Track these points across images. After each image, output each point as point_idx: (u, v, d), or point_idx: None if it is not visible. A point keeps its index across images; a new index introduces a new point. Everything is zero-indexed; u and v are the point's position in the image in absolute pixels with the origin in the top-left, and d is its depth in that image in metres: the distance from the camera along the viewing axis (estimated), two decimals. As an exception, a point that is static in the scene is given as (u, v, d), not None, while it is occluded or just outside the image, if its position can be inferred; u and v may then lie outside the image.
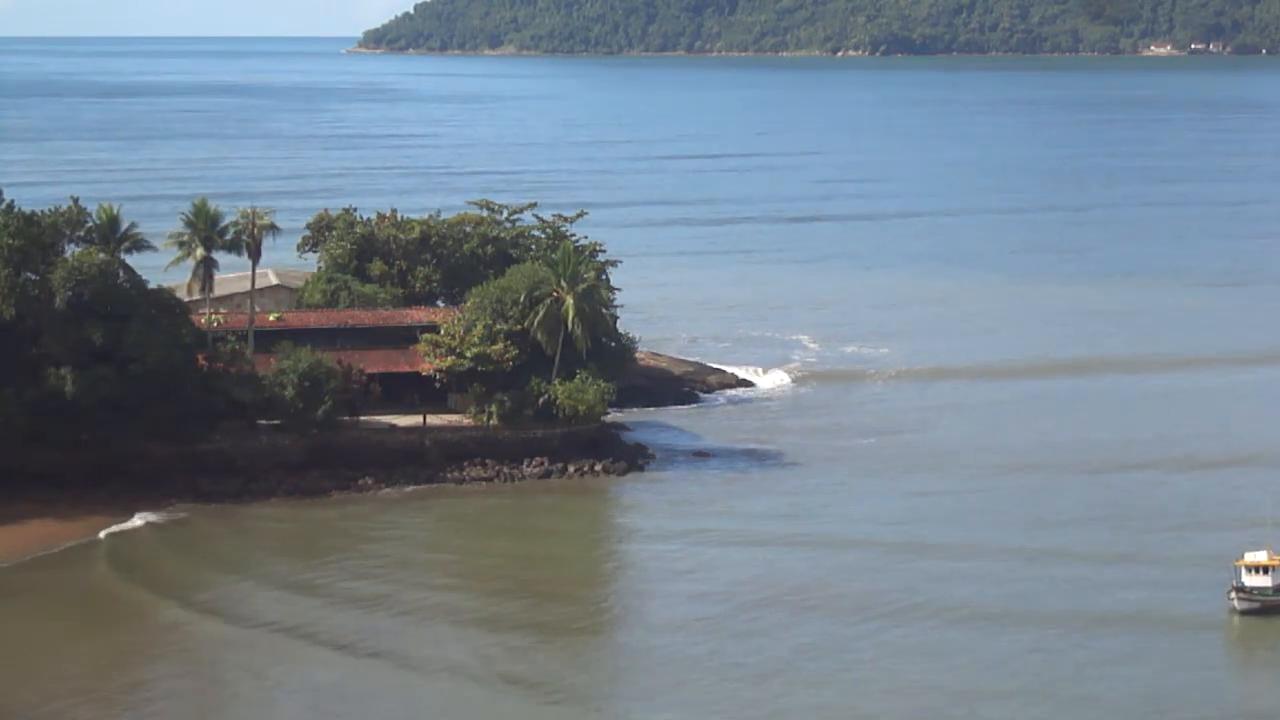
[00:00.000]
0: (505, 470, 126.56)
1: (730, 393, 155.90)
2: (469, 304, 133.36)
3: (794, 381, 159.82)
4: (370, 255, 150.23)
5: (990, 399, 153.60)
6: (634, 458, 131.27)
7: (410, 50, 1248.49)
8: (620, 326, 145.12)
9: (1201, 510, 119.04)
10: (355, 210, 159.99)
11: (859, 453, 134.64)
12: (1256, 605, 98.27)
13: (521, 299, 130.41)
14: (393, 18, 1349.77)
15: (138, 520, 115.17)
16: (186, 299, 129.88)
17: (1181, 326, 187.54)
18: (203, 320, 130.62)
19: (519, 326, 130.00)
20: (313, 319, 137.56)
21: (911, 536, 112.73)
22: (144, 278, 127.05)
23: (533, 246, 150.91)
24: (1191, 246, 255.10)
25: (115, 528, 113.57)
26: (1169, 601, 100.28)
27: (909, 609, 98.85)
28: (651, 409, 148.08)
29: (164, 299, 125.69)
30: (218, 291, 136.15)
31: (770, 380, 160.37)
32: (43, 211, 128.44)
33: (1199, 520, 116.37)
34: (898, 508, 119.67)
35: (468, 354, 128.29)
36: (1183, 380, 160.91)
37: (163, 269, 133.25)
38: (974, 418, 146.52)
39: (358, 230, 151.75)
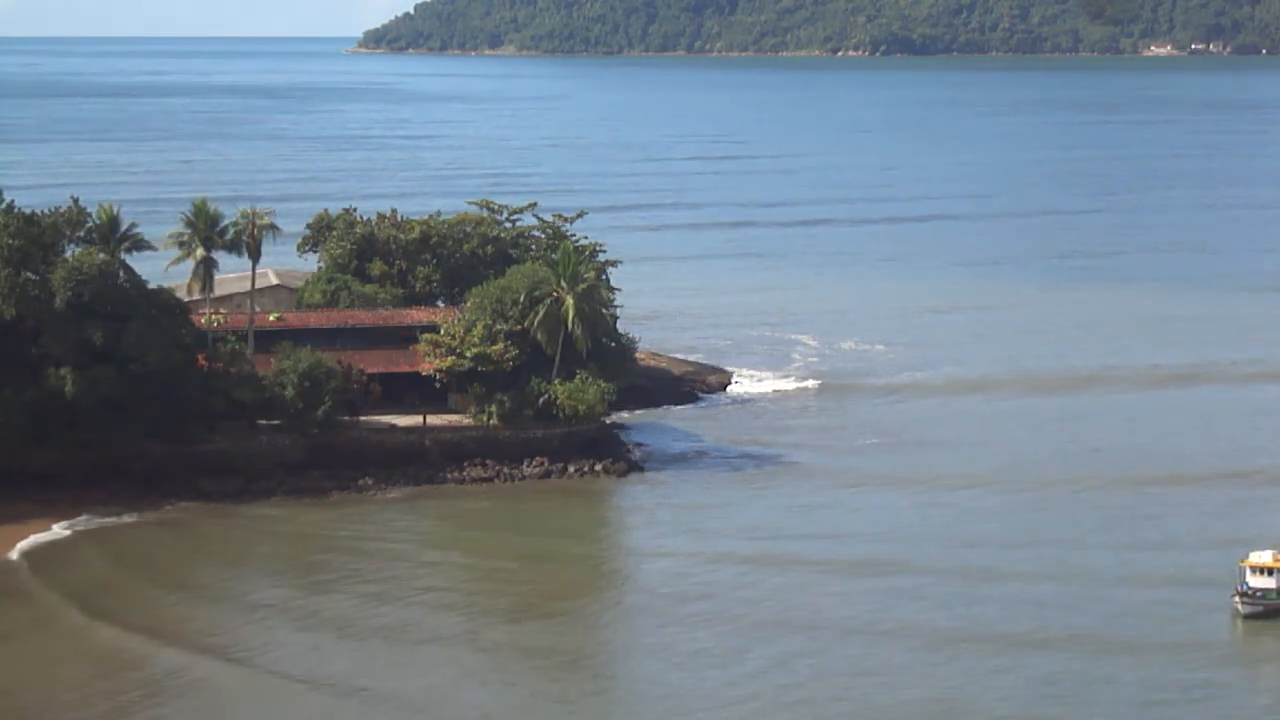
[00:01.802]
0: (505, 470, 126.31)
1: (731, 393, 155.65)
2: (469, 304, 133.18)
3: (795, 382, 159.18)
4: (370, 255, 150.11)
5: (995, 407, 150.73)
6: (634, 458, 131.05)
7: (410, 50, 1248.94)
8: (620, 326, 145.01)
9: (1211, 529, 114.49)
10: (355, 210, 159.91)
11: (858, 458, 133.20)
12: (1260, 609, 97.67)
13: (521, 299, 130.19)
14: (393, 18, 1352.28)
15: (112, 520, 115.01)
16: (186, 299, 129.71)
17: (1201, 336, 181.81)
18: (203, 320, 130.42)
19: (519, 326, 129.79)
20: (313, 319, 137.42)
21: (905, 555, 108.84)
22: (144, 278, 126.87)
23: (533, 246, 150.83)
24: (1209, 251, 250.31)
25: (35, 538, 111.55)
26: (1170, 626, 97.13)
27: (905, 631, 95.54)
28: (651, 409, 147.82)
29: (164, 299, 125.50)
30: (218, 291, 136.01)
31: (771, 381, 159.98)
32: (43, 211, 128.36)
33: (1208, 539, 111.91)
34: (892, 522, 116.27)
35: (468, 354, 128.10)
36: (1201, 394, 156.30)
37: (163, 269, 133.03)
38: (977, 427, 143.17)
39: (358, 230, 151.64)
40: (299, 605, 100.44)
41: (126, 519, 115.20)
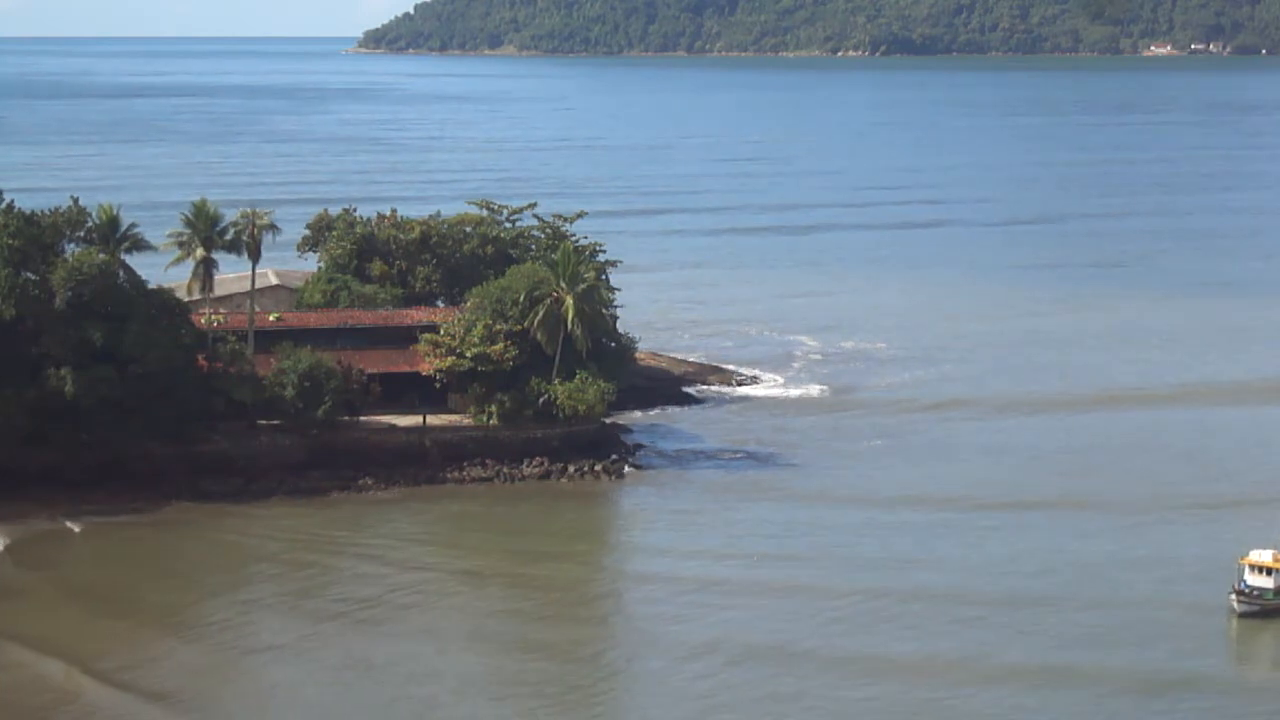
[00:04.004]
0: (505, 471, 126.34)
1: (731, 393, 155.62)
2: (469, 304, 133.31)
3: (796, 385, 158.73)
4: (370, 255, 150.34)
5: (998, 420, 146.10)
6: (633, 459, 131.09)
7: (410, 50, 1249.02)
8: (620, 326, 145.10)
9: (1210, 553, 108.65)
10: (355, 210, 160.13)
11: (858, 465, 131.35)
12: (1256, 608, 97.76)
13: (521, 299, 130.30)
14: (393, 18, 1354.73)
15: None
16: (186, 299, 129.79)
17: (1223, 350, 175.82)
18: (203, 320, 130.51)
19: (519, 326, 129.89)
20: (313, 319, 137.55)
21: (903, 577, 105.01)
22: (144, 278, 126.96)
23: (532, 246, 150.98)
24: (1234, 257, 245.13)
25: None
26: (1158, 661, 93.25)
27: (902, 659, 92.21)
28: (651, 409, 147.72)
29: (164, 299, 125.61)
30: (218, 291, 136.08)
31: (772, 382, 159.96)
32: (43, 211, 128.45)
33: (1206, 563, 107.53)
34: (890, 540, 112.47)
35: (468, 354, 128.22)
36: (1218, 413, 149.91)
37: (163, 269, 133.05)
38: (980, 440, 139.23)
39: (358, 230, 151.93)
40: (266, 625, 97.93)
41: (69, 524, 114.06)
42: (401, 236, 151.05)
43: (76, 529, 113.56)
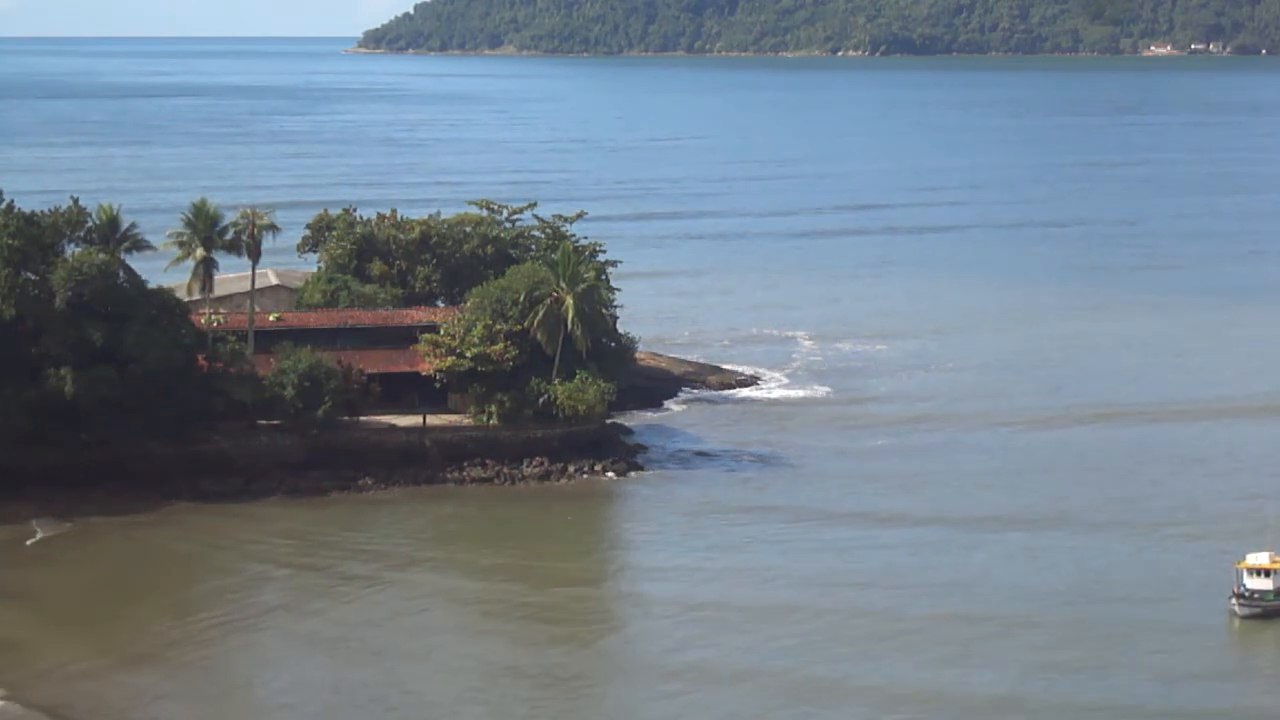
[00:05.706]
0: (505, 471, 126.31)
1: (731, 393, 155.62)
2: (469, 304, 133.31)
3: (796, 385, 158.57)
4: (370, 255, 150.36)
5: (999, 430, 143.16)
6: (634, 458, 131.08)
7: (410, 51, 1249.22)
8: (620, 326, 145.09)
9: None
10: (355, 210, 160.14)
11: (856, 466, 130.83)
12: (1258, 610, 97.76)
13: (521, 299, 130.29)
14: (392, 18, 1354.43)
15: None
16: (186, 299, 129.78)
17: (1228, 359, 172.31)
18: (203, 320, 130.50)
19: (519, 326, 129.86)
20: (313, 319, 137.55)
21: (898, 598, 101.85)
22: (144, 278, 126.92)
23: (532, 246, 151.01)
24: (1233, 263, 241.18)
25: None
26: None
27: (901, 686, 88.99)
28: (651, 409, 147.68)
29: (164, 299, 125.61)
30: (218, 291, 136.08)
31: (772, 381, 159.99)
32: (43, 211, 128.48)
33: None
34: (885, 558, 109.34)
35: (468, 354, 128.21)
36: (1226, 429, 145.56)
37: (163, 269, 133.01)
38: (979, 450, 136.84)
39: (358, 230, 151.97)
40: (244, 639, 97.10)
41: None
42: (401, 236, 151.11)
43: (68, 530, 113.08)
